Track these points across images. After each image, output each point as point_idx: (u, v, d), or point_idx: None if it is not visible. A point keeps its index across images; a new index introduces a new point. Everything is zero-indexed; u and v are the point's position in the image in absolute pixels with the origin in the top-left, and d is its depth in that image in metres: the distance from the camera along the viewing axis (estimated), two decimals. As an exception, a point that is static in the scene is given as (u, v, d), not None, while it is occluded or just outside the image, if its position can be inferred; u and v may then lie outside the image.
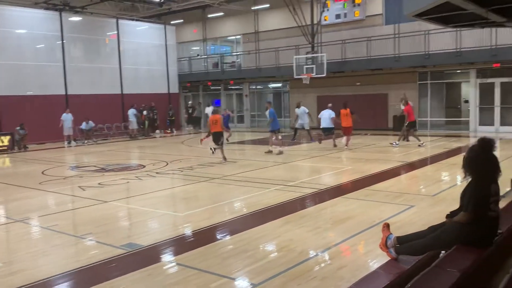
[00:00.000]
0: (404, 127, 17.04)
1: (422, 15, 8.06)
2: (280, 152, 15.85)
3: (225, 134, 17.17)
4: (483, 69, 21.45)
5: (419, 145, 16.53)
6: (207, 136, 15.60)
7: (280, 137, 16.80)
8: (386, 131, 23.28)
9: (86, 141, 22.92)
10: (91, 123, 23.34)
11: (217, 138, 14.54)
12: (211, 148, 14.75)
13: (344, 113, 16.91)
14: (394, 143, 16.94)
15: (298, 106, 20.23)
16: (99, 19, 27.46)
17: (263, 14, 28.84)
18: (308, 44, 24.35)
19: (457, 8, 6.77)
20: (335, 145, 17.18)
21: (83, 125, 23.09)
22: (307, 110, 19.83)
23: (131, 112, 25.37)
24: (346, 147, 16.86)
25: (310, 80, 23.88)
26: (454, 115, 24.26)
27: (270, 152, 16.01)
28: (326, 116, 17.36)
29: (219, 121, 14.57)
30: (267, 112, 16.92)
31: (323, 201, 9.00)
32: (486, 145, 4.43)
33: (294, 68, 24.19)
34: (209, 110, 28.48)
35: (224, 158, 14.39)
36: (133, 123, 25.39)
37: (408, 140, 18.03)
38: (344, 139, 17.21)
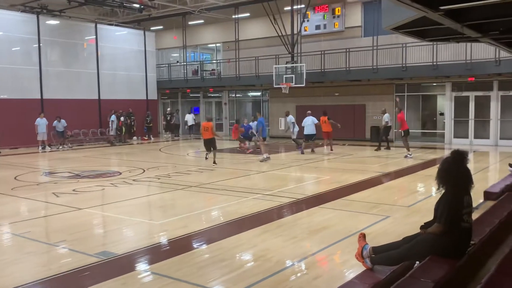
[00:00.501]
0: (394, 136, 17.40)
1: (399, 29, 8.19)
2: (265, 159, 16.17)
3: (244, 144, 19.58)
4: (458, 82, 21.94)
5: (406, 156, 16.65)
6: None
7: (247, 145, 18.70)
8: (364, 142, 23.56)
9: (60, 146, 22.42)
10: (64, 122, 22.46)
11: (208, 144, 15.73)
12: (206, 156, 16.02)
13: (323, 119, 18.67)
14: (408, 155, 16.72)
15: (287, 115, 20.35)
16: (77, 23, 27.12)
17: (243, 23, 28.96)
18: (288, 53, 24.55)
19: (433, 22, 6.91)
20: (313, 151, 18.45)
21: (55, 123, 22.29)
22: (293, 119, 19.91)
23: (114, 118, 25.39)
24: (331, 151, 18.50)
25: (289, 90, 24.05)
26: (429, 127, 24.72)
27: (268, 158, 16.30)
28: (310, 123, 18.34)
29: (210, 128, 15.51)
30: (254, 124, 18.04)
31: (300, 210, 9.03)
32: (459, 157, 4.52)
33: (274, 77, 24.34)
34: (189, 117, 28.47)
35: (214, 162, 15.39)
36: (114, 130, 25.37)
37: (388, 149, 18.90)
38: (325, 148, 19.07)
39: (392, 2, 5.51)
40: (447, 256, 4.34)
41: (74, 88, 25.25)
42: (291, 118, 20.25)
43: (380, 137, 19.94)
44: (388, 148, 19.47)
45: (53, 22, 25.25)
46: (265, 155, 16.39)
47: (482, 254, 4.84)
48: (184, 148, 22.56)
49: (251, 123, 18.82)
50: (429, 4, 5.57)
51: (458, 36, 8.33)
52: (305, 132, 18.29)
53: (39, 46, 23.68)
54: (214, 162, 15.34)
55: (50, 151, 21.39)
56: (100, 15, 30.68)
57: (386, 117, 19.05)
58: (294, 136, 19.87)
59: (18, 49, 23.50)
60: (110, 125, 25.30)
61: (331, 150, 18.60)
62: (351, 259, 5.48)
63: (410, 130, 19.11)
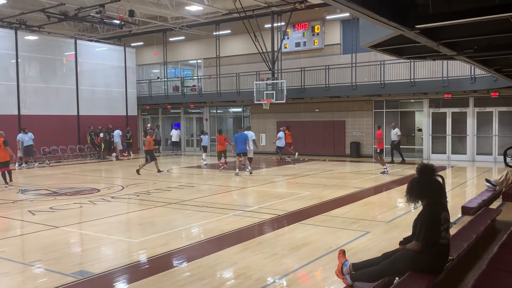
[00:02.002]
0: (377, 153, 17.54)
1: (377, 47, 8.36)
2: (237, 174, 16.70)
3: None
4: (435, 99, 22.37)
5: (383, 172, 16.86)
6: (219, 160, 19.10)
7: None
8: (344, 157, 23.74)
9: (36, 163, 21.75)
10: (31, 135, 21.04)
11: (147, 155, 17.48)
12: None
13: (288, 133, 22.50)
14: (384, 171, 16.88)
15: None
16: (56, 39, 26.90)
17: (224, 40, 29.13)
18: (269, 70, 24.74)
19: (410, 40, 7.06)
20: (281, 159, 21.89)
21: (20, 136, 20.96)
22: (253, 137, 19.09)
23: (117, 133, 25.86)
24: (297, 154, 22.27)
25: (270, 106, 24.18)
26: (408, 143, 25.04)
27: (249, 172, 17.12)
28: (282, 137, 22.04)
29: (148, 141, 17.34)
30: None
31: (281, 227, 9.00)
32: (425, 171, 4.57)
33: (255, 93, 24.46)
34: (174, 133, 28.31)
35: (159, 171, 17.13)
36: (118, 144, 25.91)
37: (392, 162, 20.26)
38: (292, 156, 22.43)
39: (369, 20, 5.62)
40: (425, 272, 4.37)
41: (53, 104, 24.93)
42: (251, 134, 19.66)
43: (399, 151, 20.97)
44: (392, 162, 20.42)
45: (31, 37, 25.02)
46: (248, 168, 17.38)
47: (460, 269, 4.89)
48: (165, 164, 22.35)
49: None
50: (405, 22, 5.70)
51: (434, 54, 8.52)
52: (277, 145, 21.99)
53: (17, 62, 23.38)
54: (159, 171, 17.13)
55: (28, 168, 20.97)
56: (80, 31, 30.53)
57: (397, 131, 20.59)
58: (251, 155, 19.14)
59: (-5, 65, 23.16)
60: (115, 141, 25.91)
61: (295, 154, 22.38)
62: (332, 276, 5.47)
63: (389, 146, 19.64)
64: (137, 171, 17.29)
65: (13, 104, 23.21)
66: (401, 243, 4.79)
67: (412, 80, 21.47)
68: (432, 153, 22.65)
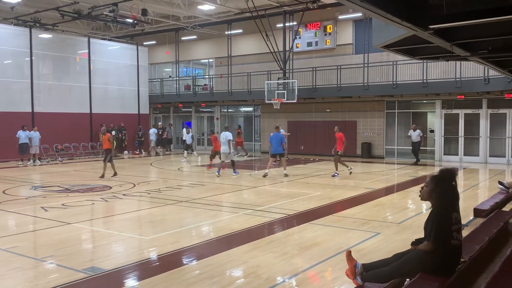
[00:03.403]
0: (337, 155, 16.60)
1: (389, 47, 8.30)
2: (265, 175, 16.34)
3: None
4: (448, 100, 22.18)
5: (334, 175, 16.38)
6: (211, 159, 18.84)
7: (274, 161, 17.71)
8: (355, 158, 23.64)
9: (29, 161, 21.07)
10: (28, 133, 20.70)
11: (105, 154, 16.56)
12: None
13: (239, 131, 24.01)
14: (335, 174, 16.43)
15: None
16: (70, 37, 27.17)
17: (236, 39, 29.17)
18: (280, 70, 24.72)
19: (423, 41, 7.01)
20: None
21: (20, 133, 20.62)
22: (229, 137, 16.99)
23: (152, 131, 26.89)
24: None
25: (281, 105, 24.16)
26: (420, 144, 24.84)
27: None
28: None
29: (106, 139, 16.47)
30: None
31: (291, 226, 9.00)
32: (447, 175, 4.54)
33: (266, 92, 24.45)
34: (185, 132, 28.42)
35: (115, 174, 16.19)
36: (153, 141, 27.14)
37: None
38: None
39: (382, 20, 5.59)
40: (437, 273, 4.33)
41: (66, 102, 25.20)
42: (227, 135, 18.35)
43: (417, 153, 21.00)
44: (416, 163, 20.70)
45: (45, 35, 25.27)
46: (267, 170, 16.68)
47: (472, 272, 4.83)
48: (176, 163, 22.44)
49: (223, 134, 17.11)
50: (418, 23, 5.65)
51: (447, 54, 8.45)
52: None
53: (31, 60, 23.64)
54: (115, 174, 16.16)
55: (40, 165, 21.20)
56: (93, 30, 30.78)
57: (419, 132, 20.64)
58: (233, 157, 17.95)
59: (10, 62, 23.46)
60: (150, 139, 26.95)
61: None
62: (342, 276, 5.46)
63: (401, 147, 19.43)
64: (107, 174, 16.11)
65: (27, 101, 23.49)
66: (412, 243, 4.76)
67: (424, 81, 21.31)
68: (444, 154, 22.46)
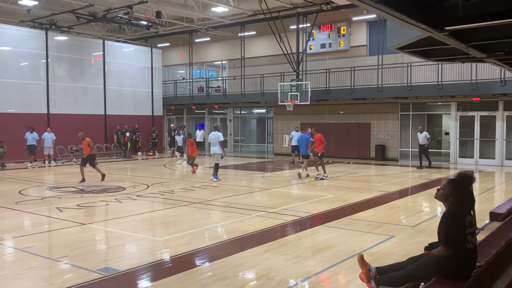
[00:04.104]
0: (317, 157, 16.23)
1: (404, 48, 8.24)
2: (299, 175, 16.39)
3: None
4: (463, 102, 21.93)
5: (322, 178, 15.92)
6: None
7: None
8: (369, 160, 23.50)
9: (30, 164, 20.84)
10: (36, 135, 20.81)
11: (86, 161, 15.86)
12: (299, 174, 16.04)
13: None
14: (322, 177, 15.97)
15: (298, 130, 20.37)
16: (85, 39, 27.47)
17: (249, 41, 29.22)
18: (293, 71, 24.69)
19: (439, 42, 6.95)
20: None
21: (27, 135, 20.80)
22: (221, 138, 15.88)
23: (180, 138, 26.50)
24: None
25: (294, 107, 24.13)
26: (434, 147, 24.62)
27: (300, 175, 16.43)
28: (295, 136, 21.19)
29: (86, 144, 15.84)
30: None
31: (304, 229, 8.97)
32: (466, 180, 4.49)
33: (279, 94, 24.45)
34: (198, 134, 28.64)
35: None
36: (179, 142, 26.65)
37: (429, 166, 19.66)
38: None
39: (396, 22, 5.55)
40: (452, 277, 4.29)
41: (81, 103, 25.48)
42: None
43: (426, 155, 20.20)
44: (421, 166, 19.90)
45: (61, 38, 25.58)
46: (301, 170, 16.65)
47: (488, 276, 4.77)
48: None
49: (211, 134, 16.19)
50: (434, 24, 5.61)
51: (463, 56, 8.36)
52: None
53: (47, 62, 23.94)
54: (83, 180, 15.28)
55: (55, 166, 21.44)
56: (108, 32, 31.08)
57: (426, 135, 19.87)
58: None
59: (26, 64, 23.78)
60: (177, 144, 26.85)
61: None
62: (355, 279, 5.42)
63: (415, 149, 19.14)
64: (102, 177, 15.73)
65: (43, 103, 23.79)
66: (426, 248, 4.71)
67: (439, 83, 21.10)
68: (459, 157, 22.21)
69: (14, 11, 25.20)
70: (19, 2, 22.29)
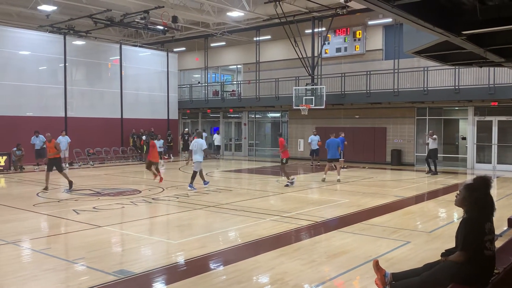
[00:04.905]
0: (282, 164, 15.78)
1: (421, 53, 8.19)
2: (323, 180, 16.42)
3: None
4: (481, 107, 21.65)
5: (287, 184, 15.31)
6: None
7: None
8: (384, 165, 23.32)
9: (37, 167, 20.92)
10: (42, 138, 20.15)
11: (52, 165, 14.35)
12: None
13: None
14: (289, 183, 15.33)
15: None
16: (102, 44, 27.83)
17: (264, 45, 29.28)
18: (308, 75, 24.66)
19: (456, 47, 6.89)
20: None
21: (33, 140, 20.84)
22: (204, 146, 15.03)
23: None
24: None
25: (308, 111, 24.09)
26: (451, 152, 24.36)
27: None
28: (315, 141, 22.19)
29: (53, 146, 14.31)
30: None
31: (318, 234, 8.93)
32: (483, 184, 4.43)
33: (294, 98, 24.43)
34: (216, 137, 28.80)
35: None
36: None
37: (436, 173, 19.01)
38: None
39: (413, 26, 5.52)
40: (469, 284, 4.23)
41: (98, 107, 25.81)
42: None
43: (434, 161, 19.21)
44: (430, 171, 19.15)
45: (79, 42, 25.95)
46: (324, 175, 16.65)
47: (506, 283, 4.69)
48: (204, 168, 22.62)
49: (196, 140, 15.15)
50: (451, 28, 5.56)
51: (481, 60, 8.28)
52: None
53: (65, 66, 24.30)
54: (45, 188, 13.99)
55: (70, 169, 21.70)
56: (125, 36, 31.44)
57: (436, 138, 19.27)
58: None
59: (45, 68, 24.18)
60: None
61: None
62: (371, 285, 5.38)
63: (424, 155, 18.77)
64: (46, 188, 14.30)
65: (61, 106, 24.13)
66: (443, 254, 4.66)
67: (456, 87, 20.88)
68: (476, 162, 21.91)
69: (34, 16, 25.66)
70: (39, 7, 22.69)
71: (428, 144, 19.29)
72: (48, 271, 6.47)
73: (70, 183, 14.40)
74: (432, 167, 19.16)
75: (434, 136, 19.24)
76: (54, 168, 14.40)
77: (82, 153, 23.88)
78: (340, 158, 17.86)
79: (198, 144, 14.77)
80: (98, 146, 24.89)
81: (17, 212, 10.87)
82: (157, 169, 16.27)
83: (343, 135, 20.45)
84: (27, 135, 21.32)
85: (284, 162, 15.75)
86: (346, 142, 20.48)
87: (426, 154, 19.78)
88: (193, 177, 14.68)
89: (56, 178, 15.60)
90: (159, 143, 23.78)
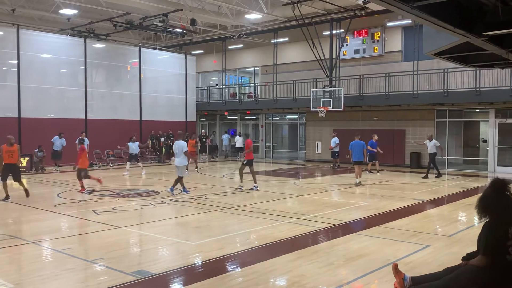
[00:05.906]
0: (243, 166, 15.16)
1: (441, 54, 8.11)
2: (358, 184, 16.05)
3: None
4: (502, 109, 21.28)
5: (252, 188, 14.81)
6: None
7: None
8: (403, 168, 23.07)
9: (58, 168, 21.16)
10: (63, 141, 21.14)
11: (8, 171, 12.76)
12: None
13: (192, 142, 21.32)
14: (252, 187, 14.93)
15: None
16: (122, 47, 28.17)
17: (282, 47, 29.27)
18: (326, 77, 24.57)
19: (476, 48, 6.80)
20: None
21: (55, 139, 21.27)
22: (185, 148, 14.02)
23: (226, 137, 29.82)
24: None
25: (326, 113, 23.99)
26: (472, 154, 23.97)
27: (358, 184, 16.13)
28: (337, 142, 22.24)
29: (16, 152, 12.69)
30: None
31: (336, 236, 8.88)
32: (499, 186, 4.36)
33: (311, 100, 24.36)
34: (239, 139, 28.86)
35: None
36: (226, 146, 29.90)
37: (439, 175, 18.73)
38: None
39: (433, 28, 5.46)
40: (490, 289, 4.16)
41: (117, 109, 26.13)
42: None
43: (434, 164, 18.74)
44: (425, 176, 18.57)
45: (99, 45, 26.33)
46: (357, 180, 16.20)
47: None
48: (221, 170, 22.71)
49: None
50: (472, 30, 5.49)
51: (502, 62, 8.15)
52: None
53: (85, 68, 24.66)
54: (7, 197, 12.56)
55: (89, 170, 21.93)
56: (144, 39, 31.78)
57: (435, 143, 18.72)
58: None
59: (66, 71, 24.59)
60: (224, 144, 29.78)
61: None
62: (389, 289, 5.33)
63: (451, 157, 18.45)
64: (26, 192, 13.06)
65: (81, 108, 24.49)
66: (463, 258, 4.60)
67: (477, 89, 20.55)
68: (498, 165, 21.53)
69: (55, 19, 26.14)
70: (60, 11, 23.09)
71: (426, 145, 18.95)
72: (68, 271, 6.56)
73: (26, 191, 12.93)
74: (435, 170, 18.73)
75: (434, 140, 18.83)
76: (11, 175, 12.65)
77: (102, 155, 24.18)
78: (368, 161, 17.89)
79: (179, 146, 13.61)
80: (117, 148, 25.16)
81: (38, 213, 11.06)
82: (86, 175, 14.42)
83: (375, 138, 20.26)
84: (48, 137, 21.66)
85: (244, 163, 14.88)
86: (378, 148, 20.02)
87: (440, 157, 19.52)
88: (176, 182, 13.73)
89: (87, 181, 15.80)
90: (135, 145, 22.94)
